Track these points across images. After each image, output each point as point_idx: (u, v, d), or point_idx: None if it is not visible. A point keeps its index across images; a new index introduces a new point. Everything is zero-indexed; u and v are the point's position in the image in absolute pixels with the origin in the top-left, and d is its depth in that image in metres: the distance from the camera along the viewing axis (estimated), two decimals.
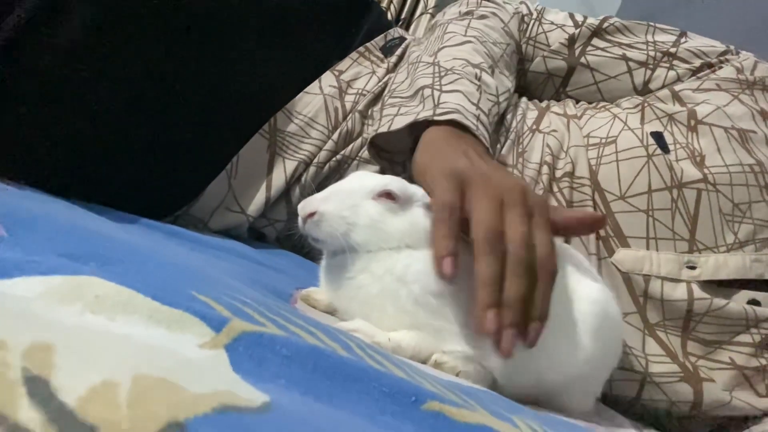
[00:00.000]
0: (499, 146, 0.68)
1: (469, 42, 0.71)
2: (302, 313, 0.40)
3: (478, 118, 0.59)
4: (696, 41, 0.75)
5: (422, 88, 0.62)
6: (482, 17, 0.77)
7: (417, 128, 0.59)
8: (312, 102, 0.68)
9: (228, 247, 0.56)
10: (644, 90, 0.75)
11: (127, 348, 0.19)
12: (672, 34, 0.76)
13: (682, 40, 0.75)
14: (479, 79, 0.64)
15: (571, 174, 0.65)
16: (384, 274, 0.46)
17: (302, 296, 0.49)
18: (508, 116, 0.71)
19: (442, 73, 0.64)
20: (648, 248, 0.61)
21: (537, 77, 0.81)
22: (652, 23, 0.77)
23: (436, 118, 0.57)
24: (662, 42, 0.75)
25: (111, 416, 0.15)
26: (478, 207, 0.45)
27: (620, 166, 0.64)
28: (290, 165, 0.65)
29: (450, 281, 0.43)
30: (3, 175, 0.49)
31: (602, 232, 0.62)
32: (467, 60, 0.66)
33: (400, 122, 0.60)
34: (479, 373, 0.46)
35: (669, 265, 0.60)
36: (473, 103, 0.60)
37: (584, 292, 0.50)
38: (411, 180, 0.52)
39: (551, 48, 0.79)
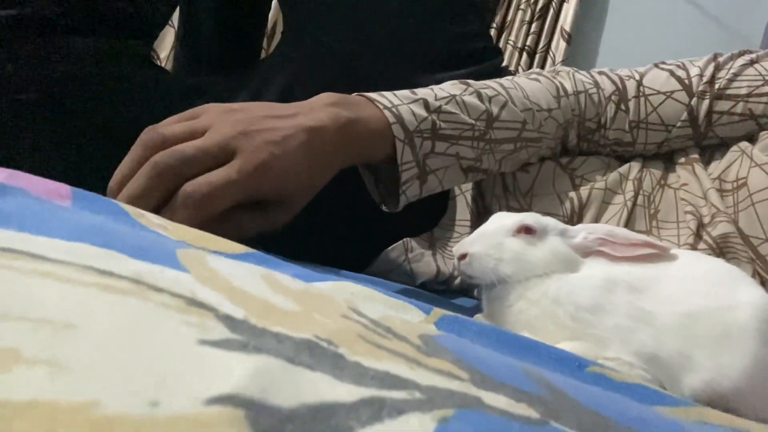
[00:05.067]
0: (626, 210, 0.68)
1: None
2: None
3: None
4: None
5: None
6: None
7: None
8: (452, 206, 0.77)
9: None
10: None
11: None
12: None
13: None
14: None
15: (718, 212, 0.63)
16: (540, 298, 0.54)
17: None
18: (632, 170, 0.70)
19: None
20: None
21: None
22: (748, 54, 0.69)
23: None
24: None
25: None
26: None
27: (757, 209, 0.61)
28: (449, 263, 0.74)
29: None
30: None
31: (759, 278, 0.60)
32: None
33: None
34: (645, 380, 0.50)
35: None
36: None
37: (744, 298, 0.52)
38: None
39: (671, 135, 0.70)
